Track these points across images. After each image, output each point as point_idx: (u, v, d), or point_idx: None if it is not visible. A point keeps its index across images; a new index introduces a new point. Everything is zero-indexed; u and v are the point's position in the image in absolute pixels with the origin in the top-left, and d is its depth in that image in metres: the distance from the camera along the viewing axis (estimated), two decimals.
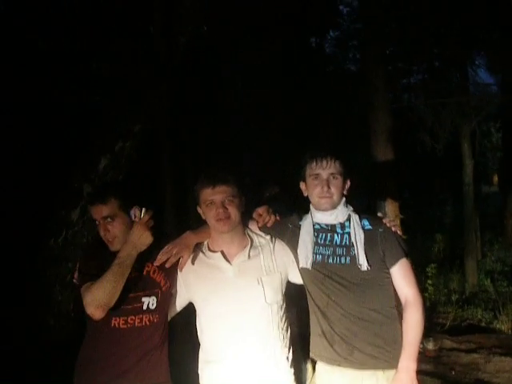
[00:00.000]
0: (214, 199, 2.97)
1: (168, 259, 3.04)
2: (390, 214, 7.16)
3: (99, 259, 3.00)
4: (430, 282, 9.78)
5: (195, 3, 6.79)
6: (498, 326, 8.54)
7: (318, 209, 3.08)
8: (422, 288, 9.62)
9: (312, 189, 3.06)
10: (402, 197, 8.03)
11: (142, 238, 2.91)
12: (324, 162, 3.00)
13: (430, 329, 8.02)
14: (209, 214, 3.01)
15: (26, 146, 7.52)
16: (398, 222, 7.34)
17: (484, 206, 17.22)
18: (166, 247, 3.06)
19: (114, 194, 3.07)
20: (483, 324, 8.77)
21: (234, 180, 3.02)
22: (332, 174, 3.01)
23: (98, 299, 2.82)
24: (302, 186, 3.15)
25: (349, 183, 3.11)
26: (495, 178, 29.52)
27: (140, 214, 2.98)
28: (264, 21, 8.99)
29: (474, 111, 11.00)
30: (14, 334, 5.00)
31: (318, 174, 3.02)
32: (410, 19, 10.07)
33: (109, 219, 3.02)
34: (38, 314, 5.32)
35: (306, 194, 3.15)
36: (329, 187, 2.99)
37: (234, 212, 2.99)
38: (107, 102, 7.65)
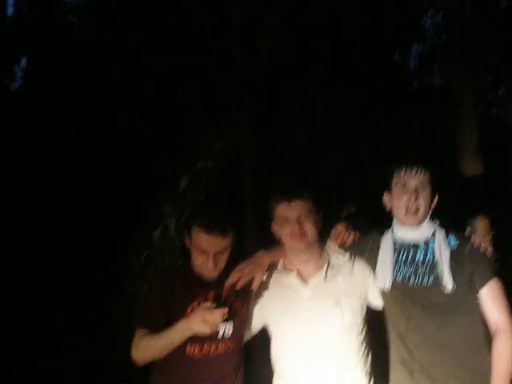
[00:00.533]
0: (289, 215, 2.82)
1: (239, 280, 2.92)
2: (480, 230, 6.81)
3: (163, 300, 2.89)
4: None
5: (275, 17, 6.75)
6: None
7: (402, 223, 2.87)
8: None
9: (398, 199, 2.84)
10: (494, 212, 7.63)
11: (199, 328, 2.73)
12: (414, 170, 2.80)
13: None
14: (283, 231, 2.88)
15: (111, 164, 7.68)
16: (488, 238, 7.01)
17: None
18: (237, 267, 2.95)
19: (232, 226, 2.97)
20: None
21: (310, 195, 2.87)
22: (422, 182, 2.79)
23: (141, 355, 2.83)
24: (386, 196, 2.95)
25: (437, 198, 2.90)
26: None
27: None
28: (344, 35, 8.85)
29: None
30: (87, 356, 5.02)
31: (405, 183, 2.80)
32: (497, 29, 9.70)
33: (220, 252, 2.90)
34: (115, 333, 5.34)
35: (389, 207, 2.96)
36: (417, 198, 2.77)
37: (310, 229, 2.85)
38: (189, 119, 7.72)
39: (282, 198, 2.87)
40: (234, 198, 7.72)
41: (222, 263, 2.92)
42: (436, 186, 2.89)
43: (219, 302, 2.87)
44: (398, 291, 2.83)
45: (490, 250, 2.88)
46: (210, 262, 2.85)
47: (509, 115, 12.24)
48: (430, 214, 2.91)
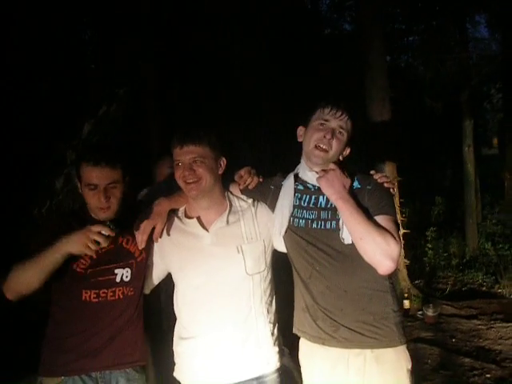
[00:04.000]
0: (181, 160, 2.67)
1: (141, 229, 2.77)
2: (388, 175, 6.90)
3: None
4: (429, 245, 9.62)
5: None
6: (499, 290, 8.39)
7: (309, 159, 2.75)
8: (420, 253, 9.62)
9: (313, 132, 2.70)
10: (401, 159, 7.76)
11: (77, 245, 2.54)
12: (339, 113, 2.67)
13: (429, 294, 7.87)
14: (176, 176, 2.73)
15: (6, 113, 7.30)
16: (395, 184, 7.13)
17: (484, 169, 16.95)
18: (138, 218, 2.80)
19: (122, 162, 2.78)
20: (484, 289, 8.61)
21: (208, 139, 2.71)
22: (341, 127, 2.67)
23: (12, 284, 2.63)
24: (300, 130, 2.81)
25: (348, 151, 2.79)
26: (495, 141, 29.37)
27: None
28: None
29: (474, 68, 10.70)
30: None
31: (327, 121, 2.69)
32: None
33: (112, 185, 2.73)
34: None
35: (300, 139, 2.82)
36: (332, 137, 2.65)
37: (205, 175, 2.69)
38: (92, 65, 7.42)
39: (175, 143, 2.71)
40: (140, 143, 7.50)
41: (114, 201, 2.74)
42: (351, 138, 2.79)
43: (115, 244, 2.75)
44: (302, 236, 2.72)
45: (393, 189, 2.80)
46: (102, 198, 2.68)
47: (418, 62, 12.42)
48: (337, 160, 2.80)
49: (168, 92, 8.13)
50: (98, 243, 2.52)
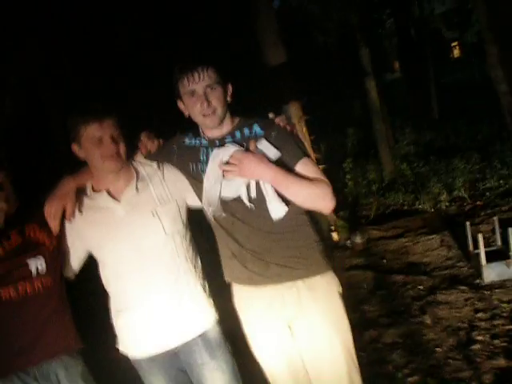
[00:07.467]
0: (103, 135, 2.65)
1: (52, 213, 2.73)
2: (294, 116, 6.98)
3: None
4: (348, 176, 9.82)
5: None
6: (420, 206, 8.69)
7: (204, 126, 2.76)
8: (341, 185, 9.81)
9: (191, 106, 2.70)
10: (306, 97, 7.84)
11: None
12: (196, 76, 2.62)
13: (355, 223, 8.08)
14: (96, 152, 2.68)
15: None
16: (303, 123, 7.23)
17: (390, 93, 17.30)
18: (46, 200, 2.75)
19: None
20: (406, 207, 8.90)
21: (111, 115, 2.70)
22: (208, 85, 2.65)
23: None
24: (181, 105, 2.80)
25: (230, 88, 2.79)
26: (396, 65, 29.97)
27: None
28: None
29: None
30: None
31: (193, 90, 2.68)
32: None
33: None
34: None
35: (186, 115, 2.81)
36: (209, 103, 2.65)
37: (122, 148, 2.70)
38: None
39: (91, 119, 2.67)
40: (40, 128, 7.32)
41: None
42: (225, 81, 2.77)
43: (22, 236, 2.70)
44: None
45: (296, 130, 2.84)
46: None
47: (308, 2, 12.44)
48: (227, 109, 2.80)
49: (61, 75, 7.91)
50: None
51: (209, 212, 2.79)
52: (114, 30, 8.24)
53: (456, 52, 36.84)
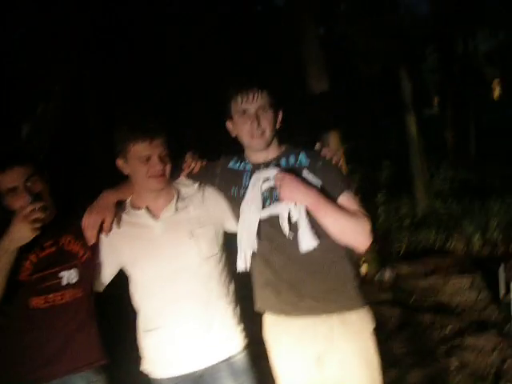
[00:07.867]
0: (151, 154, 2.65)
1: (90, 224, 2.74)
2: (332, 146, 6.97)
3: None
4: (380, 209, 9.74)
5: None
6: (451, 246, 8.57)
7: (250, 148, 2.76)
8: (372, 218, 9.71)
9: (241, 126, 2.71)
10: (344, 126, 7.82)
11: (21, 232, 2.49)
12: (250, 95, 2.62)
13: (384, 257, 7.98)
14: (142, 170, 2.68)
15: None
16: (341, 153, 7.20)
17: (427, 128, 17.18)
18: (85, 215, 2.75)
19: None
20: (437, 246, 8.77)
21: (160, 130, 2.71)
22: (261, 106, 2.64)
23: None
24: (229, 124, 2.81)
25: (281, 114, 2.79)
26: (435, 100, 29.82)
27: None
28: None
29: (407, 32, 10.84)
30: None
31: (245, 110, 2.68)
32: None
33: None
34: None
35: (234, 135, 2.82)
36: (259, 123, 2.65)
37: (168, 167, 2.70)
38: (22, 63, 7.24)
39: (141, 137, 2.68)
40: (81, 139, 7.40)
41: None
42: (277, 106, 2.77)
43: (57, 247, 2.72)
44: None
45: (341, 162, 2.83)
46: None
47: (352, 31, 12.47)
48: (275, 134, 2.80)
49: (106, 86, 8.02)
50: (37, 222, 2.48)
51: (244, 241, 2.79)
52: (165, 49, 8.33)
53: (496, 92, 36.55)
